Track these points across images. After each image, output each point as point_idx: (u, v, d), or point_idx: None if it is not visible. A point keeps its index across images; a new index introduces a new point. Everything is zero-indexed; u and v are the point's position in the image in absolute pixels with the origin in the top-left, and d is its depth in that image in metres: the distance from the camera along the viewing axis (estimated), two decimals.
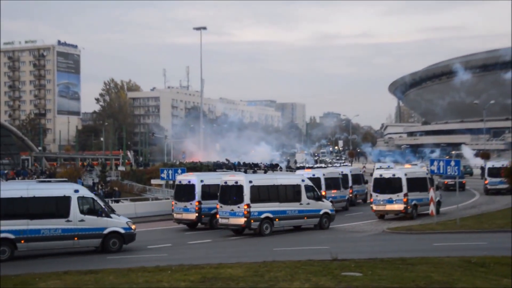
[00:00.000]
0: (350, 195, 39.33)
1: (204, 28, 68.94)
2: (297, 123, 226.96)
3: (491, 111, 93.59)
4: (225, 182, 26.40)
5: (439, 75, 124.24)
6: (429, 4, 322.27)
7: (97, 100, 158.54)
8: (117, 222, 22.12)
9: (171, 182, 41.74)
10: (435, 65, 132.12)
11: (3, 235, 20.14)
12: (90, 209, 21.65)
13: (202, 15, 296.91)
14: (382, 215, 31.89)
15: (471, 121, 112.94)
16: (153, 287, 14.07)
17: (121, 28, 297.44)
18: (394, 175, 31.59)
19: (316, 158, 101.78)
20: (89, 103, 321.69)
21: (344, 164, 78.97)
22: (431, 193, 28.65)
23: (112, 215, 22.25)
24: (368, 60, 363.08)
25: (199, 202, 28.08)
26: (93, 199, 22.05)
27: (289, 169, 46.95)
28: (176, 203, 29.03)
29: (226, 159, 54.89)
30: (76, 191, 21.71)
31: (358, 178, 42.31)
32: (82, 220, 21.29)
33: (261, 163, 56.30)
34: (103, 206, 22.22)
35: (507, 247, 19.51)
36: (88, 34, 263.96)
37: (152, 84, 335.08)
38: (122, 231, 22.02)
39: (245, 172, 45.37)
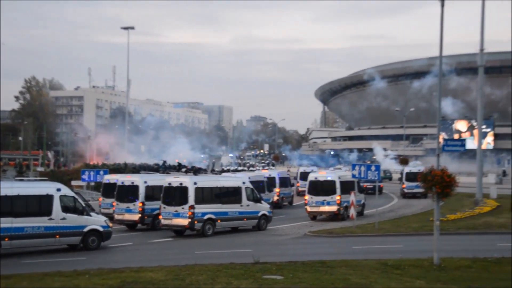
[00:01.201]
0: (277, 198, 39.95)
1: (132, 27, 67.70)
2: (223, 126, 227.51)
3: (411, 118, 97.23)
4: (169, 184, 26.63)
5: (363, 82, 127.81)
6: (357, 13, 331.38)
7: (17, 98, 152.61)
8: (96, 220, 22.71)
9: (92, 183, 40.77)
10: (359, 72, 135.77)
11: None
12: (71, 207, 22.05)
13: (131, 15, 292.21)
14: (314, 216, 33.22)
15: (392, 127, 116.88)
16: None
17: (46, 24, 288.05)
18: (328, 178, 33.14)
19: (240, 161, 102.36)
20: (8, 101, 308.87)
21: (265, 167, 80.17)
22: (352, 197, 29.42)
23: (91, 213, 22.77)
24: (295, 65, 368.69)
25: (143, 203, 28.05)
26: (74, 197, 22.47)
27: (213, 172, 47.12)
28: (118, 204, 28.79)
29: (163, 161, 54.34)
30: (58, 189, 22.03)
31: (285, 181, 43.24)
32: (63, 218, 21.66)
33: (185, 166, 56.26)
34: (83, 205, 22.64)
35: (421, 250, 20.31)
36: (11, 29, 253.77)
37: (76, 83, 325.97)
38: (101, 229, 22.60)
39: (168, 174, 45.28)
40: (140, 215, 28.23)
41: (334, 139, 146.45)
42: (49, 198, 21.47)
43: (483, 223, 28.88)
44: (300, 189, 51.38)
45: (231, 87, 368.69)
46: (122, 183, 29.26)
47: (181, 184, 26.23)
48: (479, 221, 29.62)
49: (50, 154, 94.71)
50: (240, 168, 74.48)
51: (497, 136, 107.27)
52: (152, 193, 28.35)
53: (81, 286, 14.21)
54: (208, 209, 26.38)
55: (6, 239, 20.35)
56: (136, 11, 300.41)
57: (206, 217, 26.21)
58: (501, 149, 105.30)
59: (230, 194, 27.91)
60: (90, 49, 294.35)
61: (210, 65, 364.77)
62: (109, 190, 30.27)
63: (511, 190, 35.44)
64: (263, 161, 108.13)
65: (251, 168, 75.14)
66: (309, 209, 32.98)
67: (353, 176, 30.51)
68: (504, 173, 68.60)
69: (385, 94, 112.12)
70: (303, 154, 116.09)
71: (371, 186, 44.09)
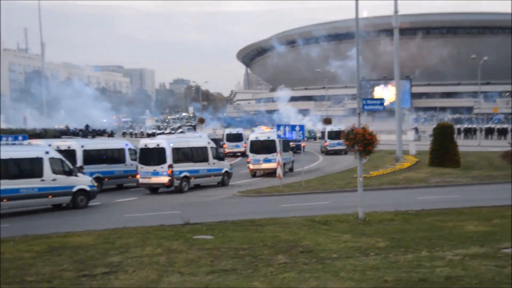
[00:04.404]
0: None
1: None
2: (146, 89, 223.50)
3: (333, 80, 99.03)
4: (145, 145, 28.62)
5: (285, 43, 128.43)
6: None
7: None
8: (83, 181, 24.05)
9: None
10: (280, 34, 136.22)
11: None
12: (60, 169, 23.09)
13: None
14: (255, 173, 35.59)
15: (314, 89, 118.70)
16: None
17: None
18: (269, 137, 35.15)
19: (160, 125, 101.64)
20: None
21: (181, 130, 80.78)
22: (278, 157, 29.90)
23: (78, 174, 24.08)
24: (217, 28, 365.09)
25: (171, 165, 28.17)
26: (61, 160, 23.37)
27: (123, 135, 47.00)
28: (142, 167, 28.47)
29: (66, 126, 53.12)
30: (47, 152, 22.89)
31: (216, 142, 44.23)
32: (54, 180, 22.62)
33: (106, 130, 55.43)
34: (71, 166, 23.61)
35: (347, 206, 20.94)
36: None
37: None
38: (88, 188, 23.99)
39: (93, 137, 44.41)
40: (169, 178, 28.04)
41: (258, 100, 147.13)
42: (39, 160, 22.39)
43: (403, 178, 30.11)
44: (227, 150, 51.86)
45: (152, 50, 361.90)
46: (146, 145, 28.72)
47: (158, 145, 28.29)
48: (400, 177, 30.86)
49: None
50: (160, 131, 74.33)
51: (413, 95, 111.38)
52: (178, 155, 28.76)
53: (6, 253, 13.72)
54: (183, 168, 28.62)
55: (5, 200, 21.20)
56: None
57: (182, 175, 28.51)
58: (418, 108, 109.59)
59: (199, 153, 30.09)
60: None
61: (130, 27, 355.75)
62: None
63: (429, 147, 36.88)
64: (188, 124, 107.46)
65: (173, 131, 75.01)
66: (251, 166, 35.35)
67: (278, 136, 31.13)
68: (417, 130, 71.46)
69: (311, 55, 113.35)
70: (227, 116, 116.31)
71: (293, 146, 45.36)
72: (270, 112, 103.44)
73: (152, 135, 56.76)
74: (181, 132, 75.23)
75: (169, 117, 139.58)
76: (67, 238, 15.43)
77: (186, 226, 17.15)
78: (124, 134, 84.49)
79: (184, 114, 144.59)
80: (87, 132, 55.07)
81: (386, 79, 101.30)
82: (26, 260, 13.05)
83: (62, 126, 62.31)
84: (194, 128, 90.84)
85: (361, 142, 18.09)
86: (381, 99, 21.63)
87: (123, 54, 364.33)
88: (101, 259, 12.91)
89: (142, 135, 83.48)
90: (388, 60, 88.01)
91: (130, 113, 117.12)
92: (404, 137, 53.48)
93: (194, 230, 16.42)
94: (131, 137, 76.39)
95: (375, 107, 21.50)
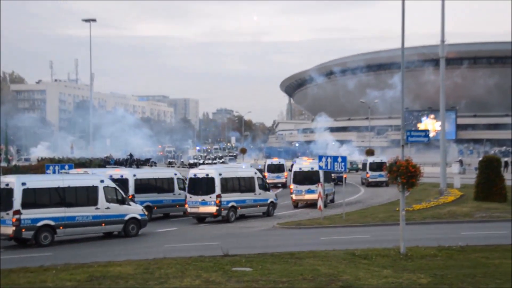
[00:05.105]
0: None
1: (94, 20, 66.74)
2: (190, 119, 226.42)
3: (375, 110, 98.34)
4: (195, 175, 29.08)
5: (327, 74, 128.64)
6: (320, 5, 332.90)
7: None
8: (135, 209, 24.45)
9: None
10: (323, 64, 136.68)
11: (45, 222, 21.56)
12: (114, 197, 23.63)
13: (94, 8, 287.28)
14: (297, 204, 35.66)
15: (357, 119, 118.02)
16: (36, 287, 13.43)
17: (5, 16, 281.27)
18: (312, 168, 35.21)
19: (201, 155, 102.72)
20: None
21: (223, 160, 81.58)
22: (319, 189, 29.67)
23: (130, 202, 24.56)
24: (261, 58, 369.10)
25: (219, 195, 28.58)
26: (115, 188, 23.95)
27: (169, 165, 47.60)
28: (191, 197, 29.03)
29: (110, 155, 54.27)
30: (102, 181, 23.57)
31: (260, 173, 44.57)
32: (108, 208, 23.20)
33: (150, 159, 56.39)
34: (124, 195, 24.16)
35: (388, 240, 20.59)
36: None
37: (37, 76, 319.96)
38: (139, 217, 24.39)
39: (137, 167, 45.18)
40: (217, 208, 28.64)
41: (299, 131, 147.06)
42: (94, 189, 23.05)
43: (447, 213, 29.44)
44: (268, 180, 51.89)
45: (196, 80, 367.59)
46: (195, 175, 29.35)
47: (207, 175, 28.78)
48: (444, 211, 30.18)
49: (12, 149, 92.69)
50: (201, 161, 75.21)
51: (458, 127, 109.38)
52: (227, 185, 29.23)
53: (48, 282, 13.99)
54: (231, 198, 29.05)
55: (61, 228, 21.93)
56: (99, 4, 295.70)
57: (229, 205, 28.91)
58: (462, 140, 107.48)
59: (247, 184, 30.54)
60: (51, 42, 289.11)
61: (175, 58, 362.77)
62: None
63: (475, 180, 36.02)
64: (230, 154, 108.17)
65: (209, 161, 76.00)
66: (294, 197, 35.55)
67: (320, 167, 30.94)
68: (461, 163, 69.80)
69: (349, 87, 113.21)
70: (268, 146, 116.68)
71: (335, 177, 45.05)
72: (309, 142, 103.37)
73: (194, 165, 57.21)
74: (223, 162, 75.77)
75: (213, 147, 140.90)
76: (107, 268, 15.62)
77: (225, 257, 17.15)
78: (170, 163, 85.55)
79: (226, 143, 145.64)
80: (131, 161, 55.99)
81: (430, 110, 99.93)
82: None
83: (106, 155, 63.57)
84: (235, 158, 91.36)
85: (405, 174, 17.85)
86: (426, 131, 21.38)
87: (168, 84, 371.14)
88: None
89: (183, 165, 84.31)
90: (431, 90, 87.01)
91: (172, 143, 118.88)
92: (449, 170, 52.48)
93: (233, 262, 16.41)
94: (173, 167, 77.46)
95: (420, 139, 21.24)
